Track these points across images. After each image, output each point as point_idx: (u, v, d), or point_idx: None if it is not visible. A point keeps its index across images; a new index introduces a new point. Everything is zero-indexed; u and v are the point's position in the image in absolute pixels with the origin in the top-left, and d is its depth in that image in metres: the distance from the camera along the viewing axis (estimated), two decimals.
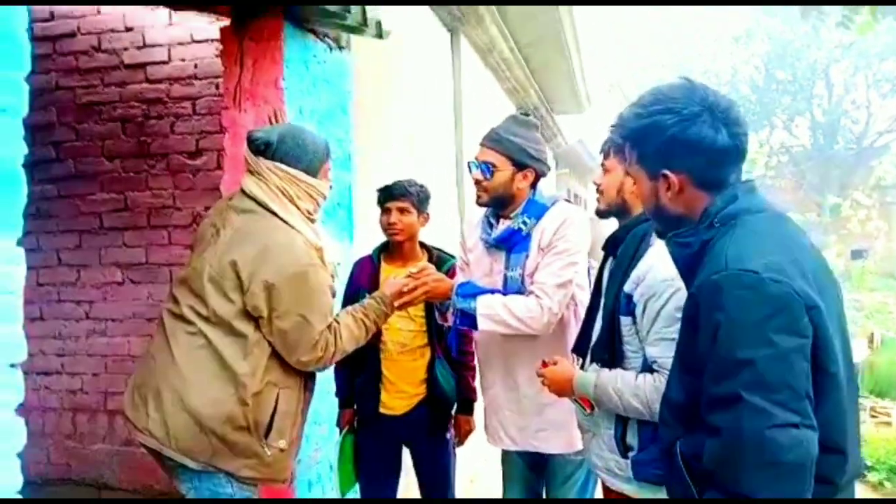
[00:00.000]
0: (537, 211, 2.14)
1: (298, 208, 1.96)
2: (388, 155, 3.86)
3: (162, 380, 1.85)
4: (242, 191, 1.98)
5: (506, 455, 2.39)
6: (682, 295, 1.49)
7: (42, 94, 3.52)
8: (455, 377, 2.51)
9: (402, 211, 2.42)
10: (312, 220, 2.05)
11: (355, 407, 2.58)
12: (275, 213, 1.91)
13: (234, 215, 1.95)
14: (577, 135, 12.35)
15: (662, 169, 1.32)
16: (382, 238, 2.55)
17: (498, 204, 2.17)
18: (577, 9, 7.03)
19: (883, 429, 5.59)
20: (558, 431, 2.17)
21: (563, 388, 1.87)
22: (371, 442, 2.52)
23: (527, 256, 2.12)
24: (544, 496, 2.38)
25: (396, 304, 2.10)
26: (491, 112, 6.72)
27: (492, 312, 2.04)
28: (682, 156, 1.30)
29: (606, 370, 1.75)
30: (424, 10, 4.69)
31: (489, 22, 5.51)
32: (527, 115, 2.27)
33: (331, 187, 2.12)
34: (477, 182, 2.16)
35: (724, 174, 1.32)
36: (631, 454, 1.72)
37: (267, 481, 1.92)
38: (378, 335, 2.36)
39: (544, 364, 1.93)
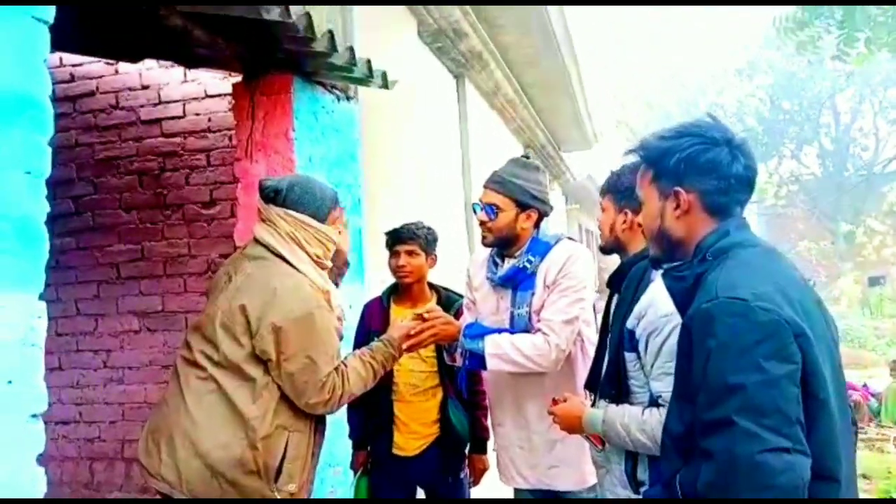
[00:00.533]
0: (542, 249, 2.19)
1: (307, 253, 2.02)
2: (398, 199, 3.94)
3: (174, 425, 1.90)
4: (255, 238, 2.06)
5: (518, 493, 2.38)
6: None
7: (62, 151, 3.65)
8: (468, 417, 2.53)
9: (410, 253, 2.47)
10: (323, 267, 2.11)
11: (369, 448, 2.59)
12: (284, 259, 1.97)
13: (247, 262, 2.02)
14: (586, 171, 12.46)
15: (675, 186, 1.37)
16: (393, 280, 2.60)
17: (503, 244, 2.23)
18: (582, 48, 7.19)
19: None
20: (570, 468, 2.18)
21: (572, 426, 1.88)
22: (385, 483, 2.53)
23: (532, 294, 2.16)
24: None
25: (404, 346, 2.14)
26: (498, 152, 6.84)
27: (500, 352, 2.07)
28: (696, 175, 1.36)
29: (614, 406, 1.76)
30: (430, 58, 4.83)
31: (494, 67, 5.66)
32: (527, 157, 2.34)
33: (342, 231, 2.19)
34: (482, 223, 2.22)
35: (730, 203, 1.37)
36: (643, 489, 1.72)
37: None
38: (390, 377, 2.39)
39: (554, 402, 1.95)
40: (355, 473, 2.62)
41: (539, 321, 2.12)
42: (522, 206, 2.18)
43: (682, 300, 1.36)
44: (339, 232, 2.17)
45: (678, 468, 1.28)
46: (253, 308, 1.88)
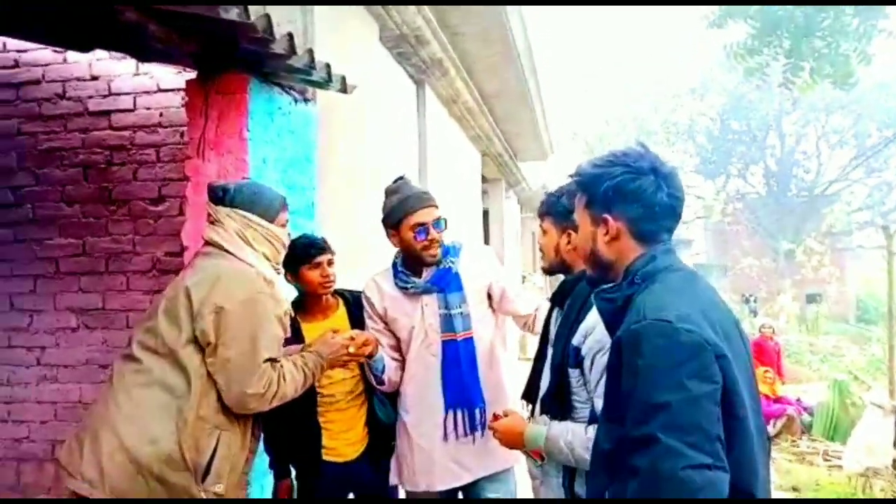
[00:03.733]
0: (455, 252, 2.35)
1: (255, 250, 2.02)
2: (352, 203, 3.92)
3: (101, 422, 1.85)
4: (205, 240, 2.07)
5: (420, 497, 2.37)
6: None
7: (2, 139, 3.51)
8: (394, 411, 2.50)
9: (331, 263, 2.42)
10: (277, 270, 2.10)
11: (293, 476, 2.52)
12: (231, 253, 1.99)
13: (197, 259, 2.05)
14: (542, 180, 12.63)
15: (604, 213, 1.44)
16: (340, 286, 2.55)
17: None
18: (542, 61, 7.29)
19: (835, 472, 5.71)
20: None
21: (514, 442, 1.91)
22: (321, 491, 2.46)
23: (462, 292, 2.29)
24: None
25: (332, 357, 2.12)
26: (456, 159, 6.87)
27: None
28: (623, 204, 1.42)
29: (556, 423, 1.79)
30: (391, 63, 4.82)
31: (454, 74, 5.69)
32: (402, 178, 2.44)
33: (289, 235, 2.18)
34: (434, 240, 2.27)
35: (656, 230, 1.43)
36: None
37: None
38: (312, 389, 2.28)
39: (495, 417, 1.97)
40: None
41: (512, 309, 2.40)
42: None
43: (612, 320, 1.42)
44: (289, 234, 2.17)
45: (607, 485, 1.32)
46: (196, 290, 1.88)
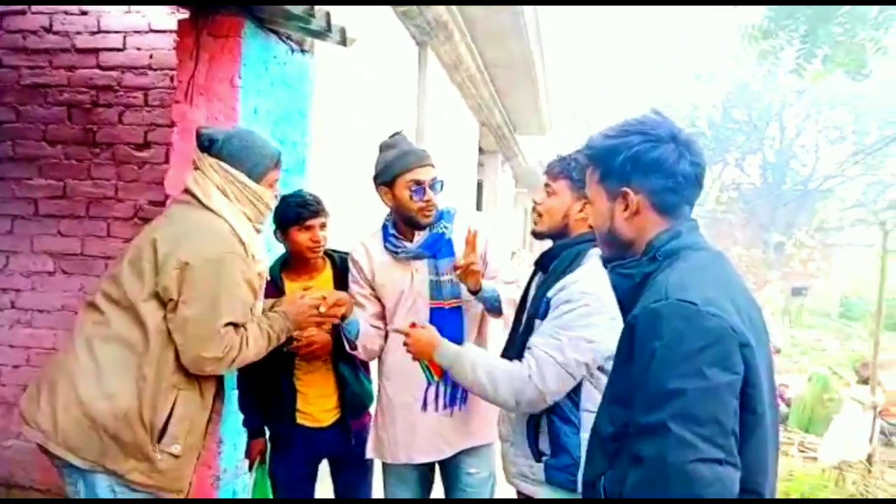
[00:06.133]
0: (449, 217, 2.27)
1: (234, 207, 1.93)
2: (345, 161, 3.81)
3: (60, 372, 1.79)
4: (185, 188, 1.96)
5: (396, 470, 2.32)
6: (591, 310, 1.68)
7: None
8: (363, 372, 2.46)
9: (323, 226, 2.34)
10: (257, 230, 2.00)
11: (267, 435, 2.47)
12: (208, 207, 1.89)
13: (173, 207, 1.96)
14: (538, 156, 12.51)
15: (623, 187, 1.32)
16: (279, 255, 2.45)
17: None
18: (546, 38, 7.13)
19: (809, 464, 5.74)
20: (483, 419, 2.23)
21: (423, 351, 1.93)
22: (290, 458, 2.41)
23: (453, 260, 2.19)
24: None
25: (299, 319, 2.05)
26: (454, 125, 6.74)
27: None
28: (643, 174, 1.30)
29: (475, 347, 1.90)
30: (394, 22, 4.67)
31: (458, 39, 5.54)
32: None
33: (276, 197, 2.07)
34: (430, 200, 2.18)
35: (679, 202, 1.32)
36: (545, 458, 1.81)
37: (159, 490, 1.83)
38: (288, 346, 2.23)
39: (413, 325, 1.98)
40: (251, 463, 2.49)
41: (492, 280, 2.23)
42: None
43: (627, 298, 1.33)
44: (275, 196, 2.06)
45: (603, 471, 1.25)
46: (163, 242, 1.79)
